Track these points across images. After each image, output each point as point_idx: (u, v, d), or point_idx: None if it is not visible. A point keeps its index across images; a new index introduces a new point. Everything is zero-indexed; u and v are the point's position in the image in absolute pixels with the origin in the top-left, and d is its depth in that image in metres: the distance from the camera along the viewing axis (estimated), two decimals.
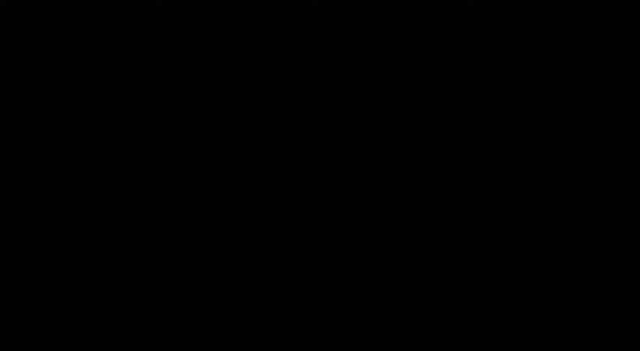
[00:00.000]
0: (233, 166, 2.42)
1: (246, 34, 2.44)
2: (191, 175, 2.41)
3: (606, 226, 2.37)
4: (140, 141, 2.42)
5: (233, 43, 2.44)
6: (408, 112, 2.42)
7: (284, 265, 2.39)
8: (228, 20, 2.44)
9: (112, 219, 2.40)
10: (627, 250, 2.37)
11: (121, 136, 2.42)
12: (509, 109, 2.41)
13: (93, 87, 2.43)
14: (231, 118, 2.43)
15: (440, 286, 2.38)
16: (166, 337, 2.37)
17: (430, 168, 2.41)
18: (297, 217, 2.41)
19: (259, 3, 2.44)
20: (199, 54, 2.44)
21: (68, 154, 2.41)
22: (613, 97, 2.41)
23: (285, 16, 2.43)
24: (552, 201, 2.39)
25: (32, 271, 2.38)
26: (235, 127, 2.43)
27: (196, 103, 2.43)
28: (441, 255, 2.39)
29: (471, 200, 2.40)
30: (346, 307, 2.38)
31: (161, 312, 2.37)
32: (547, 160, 2.40)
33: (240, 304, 2.38)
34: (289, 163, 2.42)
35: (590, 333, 2.34)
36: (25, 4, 2.44)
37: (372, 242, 2.40)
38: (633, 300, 2.34)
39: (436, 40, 2.42)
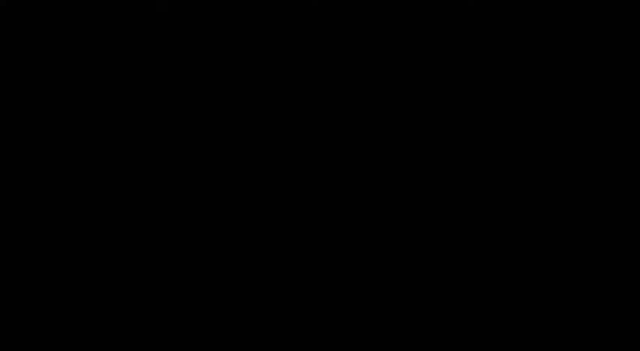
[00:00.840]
0: (234, 166, 2.42)
1: (247, 34, 2.44)
2: (192, 176, 2.42)
3: (606, 226, 2.37)
4: (141, 142, 2.42)
5: (233, 43, 2.44)
6: (408, 112, 2.42)
7: (284, 265, 2.40)
8: (228, 20, 2.44)
9: (112, 219, 2.40)
10: (627, 250, 2.37)
11: (121, 136, 2.42)
12: (510, 109, 2.42)
13: (93, 87, 2.43)
14: (232, 118, 2.43)
15: (440, 286, 2.38)
16: (166, 337, 2.37)
17: (430, 168, 2.41)
18: (297, 217, 2.41)
19: (259, 3, 2.44)
20: (200, 54, 2.44)
21: (68, 154, 2.41)
22: (613, 97, 2.41)
23: (285, 16, 2.44)
24: (552, 201, 2.39)
25: (32, 271, 2.38)
26: (236, 127, 2.43)
27: (197, 104, 2.43)
28: (441, 255, 2.39)
29: (471, 200, 2.40)
30: (346, 307, 2.38)
31: (161, 312, 2.37)
32: (547, 160, 2.40)
33: (240, 304, 2.38)
34: (289, 163, 2.42)
35: (590, 333, 2.34)
36: (25, 4, 2.44)
37: (372, 242, 2.40)
38: (633, 300, 2.35)
39: (436, 40, 2.42)
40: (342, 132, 2.42)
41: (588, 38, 2.41)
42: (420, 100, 2.42)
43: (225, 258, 2.40)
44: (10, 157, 2.41)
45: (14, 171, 2.40)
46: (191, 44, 2.44)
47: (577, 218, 2.38)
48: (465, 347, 2.35)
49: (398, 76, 2.43)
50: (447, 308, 2.37)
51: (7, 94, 2.42)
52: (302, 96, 2.43)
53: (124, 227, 2.40)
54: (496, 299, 2.37)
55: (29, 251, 2.38)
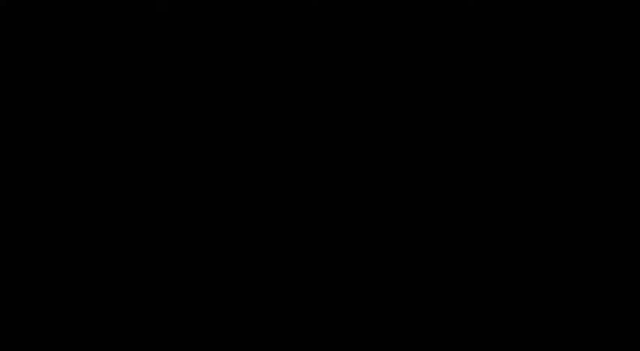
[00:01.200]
0: (234, 165, 2.42)
1: (247, 34, 2.44)
2: (192, 175, 2.42)
3: (606, 226, 2.37)
4: (140, 142, 2.42)
5: (233, 43, 2.44)
6: (408, 112, 2.42)
7: (284, 265, 2.40)
8: (228, 20, 2.44)
9: (112, 219, 2.40)
10: (627, 250, 2.37)
11: (121, 136, 2.42)
12: (509, 109, 2.42)
13: (93, 87, 2.43)
14: (232, 118, 2.43)
15: (440, 286, 2.38)
16: (166, 337, 2.37)
17: (430, 168, 2.41)
18: (297, 217, 2.41)
19: (259, 3, 2.44)
20: (200, 54, 2.44)
21: (68, 154, 2.41)
22: (613, 97, 2.41)
23: (285, 16, 2.44)
24: (552, 201, 2.39)
25: (32, 271, 2.38)
26: (236, 127, 2.43)
27: (197, 104, 2.43)
28: (441, 255, 2.39)
29: (470, 200, 2.40)
30: (346, 308, 2.38)
31: (161, 312, 2.37)
32: (547, 160, 2.40)
33: (240, 304, 2.38)
34: (289, 163, 2.42)
35: (590, 333, 2.34)
36: (25, 4, 2.44)
37: (372, 242, 2.40)
38: (633, 300, 2.35)
39: (436, 40, 2.42)
40: (343, 132, 2.42)
41: (588, 38, 2.41)
42: (420, 100, 2.42)
43: (226, 258, 2.40)
44: (10, 157, 2.41)
45: (14, 171, 2.40)
46: (191, 44, 2.44)
47: (577, 218, 2.38)
48: (465, 347, 2.35)
49: (398, 76, 2.43)
50: (447, 308, 2.37)
51: (7, 94, 2.42)
52: (302, 96, 2.43)
53: (123, 227, 2.40)
54: (496, 299, 2.37)
55: (29, 251, 2.38)
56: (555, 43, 2.42)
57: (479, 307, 2.36)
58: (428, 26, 2.43)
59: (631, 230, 2.37)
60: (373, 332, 2.37)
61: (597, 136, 2.40)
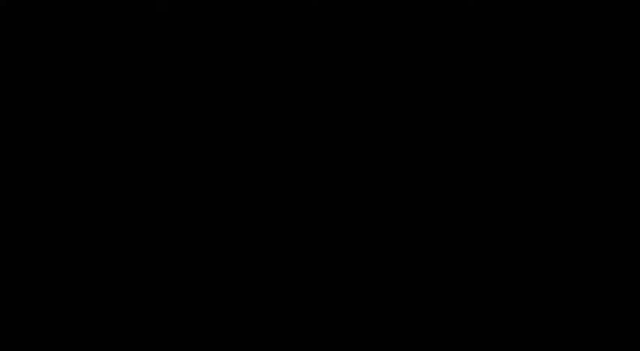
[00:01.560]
0: (234, 165, 2.42)
1: (247, 34, 2.44)
2: (192, 175, 2.42)
3: (606, 226, 2.38)
4: (140, 142, 2.42)
5: (233, 43, 2.44)
6: (408, 112, 2.42)
7: (284, 265, 2.40)
8: (228, 20, 2.44)
9: (112, 219, 2.40)
10: (627, 250, 2.37)
11: (121, 136, 2.42)
12: (509, 109, 2.42)
13: (93, 87, 2.43)
14: (232, 118, 2.43)
15: (440, 286, 2.38)
16: (166, 337, 2.37)
17: (430, 168, 2.41)
18: (297, 217, 2.41)
19: (259, 3, 2.44)
20: (200, 54, 2.44)
21: (68, 154, 2.41)
22: (613, 97, 2.41)
23: (285, 16, 2.44)
24: (552, 201, 2.39)
25: (32, 271, 2.38)
26: (236, 127, 2.43)
27: (197, 104, 2.43)
28: (441, 255, 2.39)
29: (470, 200, 2.40)
30: (346, 308, 2.38)
31: (161, 312, 2.37)
32: (547, 160, 2.40)
33: (240, 304, 2.38)
34: (289, 163, 2.42)
35: (590, 333, 2.34)
36: (25, 4, 2.44)
37: (372, 242, 2.40)
38: (633, 300, 2.35)
39: (436, 40, 2.43)
40: (343, 132, 2.42)
41: (588, 38, 2.42)
42: (420, 100, 2.42)
43: (226, 258, 2.40)
44: (10, 157, 2.41)
45: (14, 171, 2.40)
46: (191, 44, 2.44)
47: (577, 218, 2.38)
48: (465, 347, 2.35)
49: (398, 76, 2.43)
50: (447, 308, 2.37)
51: (7, 94, 2.42)
52: (302, 96, 2.44)
53: (124, 227, 2.40)
54: (496, 299, 2.37)
55: (29, 251, 2.39)
56: (555, 43, 2.42)
57: (479, 307, 2.37)
58: (428, 26, 2.43)
59: (631, 230, 2.37)
60: (373, 332, 2.37)
61: (597, 135, 2.40)
